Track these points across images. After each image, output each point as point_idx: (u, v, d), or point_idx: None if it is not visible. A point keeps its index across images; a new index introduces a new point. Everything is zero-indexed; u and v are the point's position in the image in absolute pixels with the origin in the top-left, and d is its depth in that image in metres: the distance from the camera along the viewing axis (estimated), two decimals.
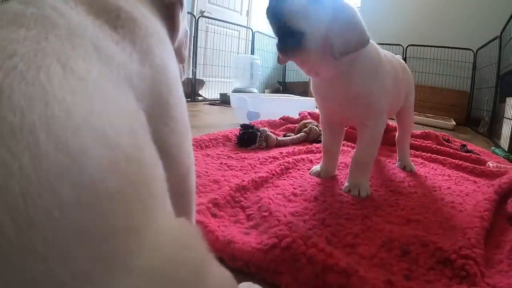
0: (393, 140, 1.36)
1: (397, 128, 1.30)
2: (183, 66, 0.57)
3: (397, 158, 1.30)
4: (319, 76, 0.87)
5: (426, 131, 1.89)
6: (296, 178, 1.02)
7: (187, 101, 3.54)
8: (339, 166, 1.16)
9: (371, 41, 0.85)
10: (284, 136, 1.61)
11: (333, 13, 0.76)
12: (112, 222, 0.21)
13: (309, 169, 1.13)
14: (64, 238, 0.19)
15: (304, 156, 1.28)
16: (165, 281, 0.21)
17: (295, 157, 1.23)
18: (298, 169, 1.13)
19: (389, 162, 1.36)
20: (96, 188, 0.21)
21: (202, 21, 4.00)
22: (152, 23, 0.39)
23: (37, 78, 0.22)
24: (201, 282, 0.24)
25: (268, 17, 0.74)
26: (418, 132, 1.86)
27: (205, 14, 4.12)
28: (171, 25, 0.46)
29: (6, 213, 0.17)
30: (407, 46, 4.25)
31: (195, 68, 3.72)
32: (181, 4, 0.47)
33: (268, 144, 1.43)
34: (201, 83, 3.91)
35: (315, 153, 1.38)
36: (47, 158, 0.20)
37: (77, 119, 0.22)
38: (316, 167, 1.08)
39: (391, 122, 1.40)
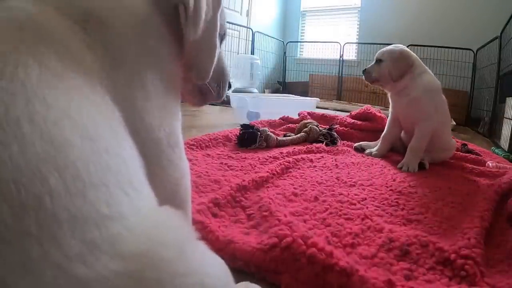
0: None
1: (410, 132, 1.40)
2: (212, 87, 0.53)
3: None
4: (388, 90, 1.44)
5: None
6: (297, 178, 1.02)
7: None
8: (340, 165, 1.18)
9: (425, 67, 1.39)
10: (284, 136, 1.61)
11: (390, 59, 1.37)
12: (98, 209, 0.22)
13: (309, 167, 1.14)
14: (56, 223, 0.20)
15: (304, 155, 1.28)
16: (153, 261, 0.23)
17: (295, 156, 1.23)
18: (298, 169, 1.13)
19: (390, 162, 1.36)
20: (81, 177, 0.22)
21: None
22: (135, 28, 0.37)
23: (15, 75, 0.23)
24: (185, 259, 0.25)
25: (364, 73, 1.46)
26: None
27: None
28: (179, 31, 0.42)
29: (2, 199, 0.19)
30: (407, 46, 4.23)
31: None
32: (191, 7, 0.40)
33: (268, 144, 1.43)
34: None
35: (315, 153, 1.38)
36: (33, 148, 0.21)
37: (57, 112, 0.24)
38: (371, 150, 1.49)
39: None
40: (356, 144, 1.59)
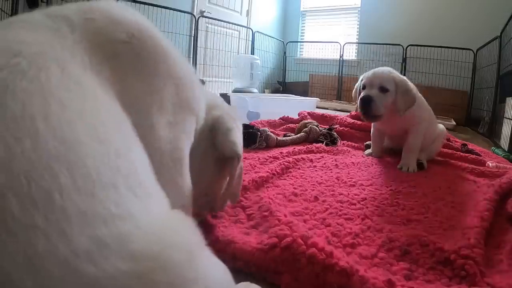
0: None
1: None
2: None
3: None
4: (382, 120, 1.30)
5: None
6: (297, 178, 1.02)
7: None
8: (340, 165, 1.18)
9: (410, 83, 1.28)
10: (284, 136, 1.61)
11: (399, 91, 1.21)
12: (107, 208, 0.23)
13: (309, 167, 1.14)
14: (65, 217, 0.20)
15: (304, 155, 1.28)
16: (164, 264, 0.23)
17: (295, 156, 1.23)
18: (298, 169, 1.13)
19: (390, 162, 1.36)
20: (91, 176, 0.23)
21: (202, 21, 4.00)
22: (174, 61, 0.42)
23: (37, 77, 0.25)
24: (194, 263, 0.25)
25: (360, 104, 1.22)
26: None
27: (205, 14, 4.12)
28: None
29: (12, 192, 0.19)
30: (407, 46, 4.25)
31: (195, 68, 3.72)
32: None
33: (268, 144, 1.43)
34: (201, 83, 3.91)
35: (315, 153, 1.38)
36: (46, 145, 0.22)
37: (71, 114, 0.25)
38: (369, 150, 1.49)
39: None
40: (367, 142, 1.59)
